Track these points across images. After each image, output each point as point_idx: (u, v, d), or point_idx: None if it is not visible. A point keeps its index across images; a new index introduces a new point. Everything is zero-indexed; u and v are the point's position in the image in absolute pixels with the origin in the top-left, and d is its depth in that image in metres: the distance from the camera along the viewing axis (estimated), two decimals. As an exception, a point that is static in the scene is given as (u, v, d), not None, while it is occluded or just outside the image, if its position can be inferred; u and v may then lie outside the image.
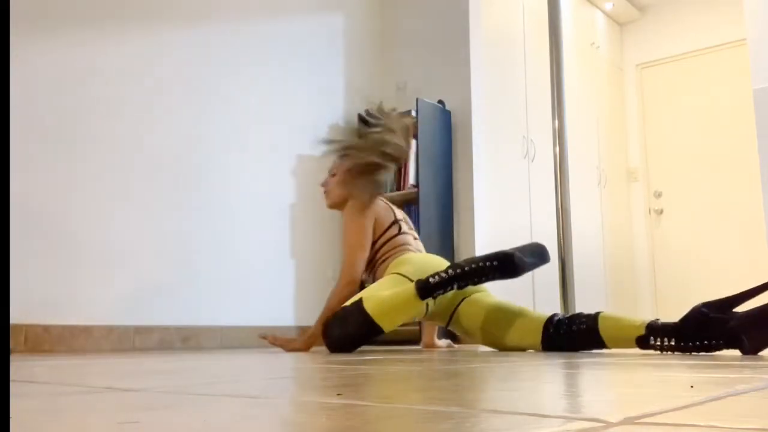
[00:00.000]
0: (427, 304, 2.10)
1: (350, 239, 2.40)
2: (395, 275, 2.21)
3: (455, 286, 2.00)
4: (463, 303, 2.26)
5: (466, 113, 3.79)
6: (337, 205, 2.55)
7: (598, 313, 1.97)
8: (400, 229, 2.49)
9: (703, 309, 1.74)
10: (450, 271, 2.00)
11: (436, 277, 2.00)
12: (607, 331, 1.92)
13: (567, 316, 2.04)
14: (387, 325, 2.02)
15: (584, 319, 1.97)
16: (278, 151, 3.54)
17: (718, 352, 1.76)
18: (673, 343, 1.77)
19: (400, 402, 0.66)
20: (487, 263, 1.97)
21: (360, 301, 2.06)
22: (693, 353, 1.74)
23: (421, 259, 2.30)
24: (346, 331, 2.05)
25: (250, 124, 3.43)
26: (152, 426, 0.51)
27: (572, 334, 1.97)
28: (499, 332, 2.14)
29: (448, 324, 2.32)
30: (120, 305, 2.80)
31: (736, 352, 1.77)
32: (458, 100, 3.83)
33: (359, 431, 0.47)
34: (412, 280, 2.14)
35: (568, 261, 2.81)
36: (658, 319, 1.86)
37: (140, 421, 0.54)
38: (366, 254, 2.40)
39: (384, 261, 2.42)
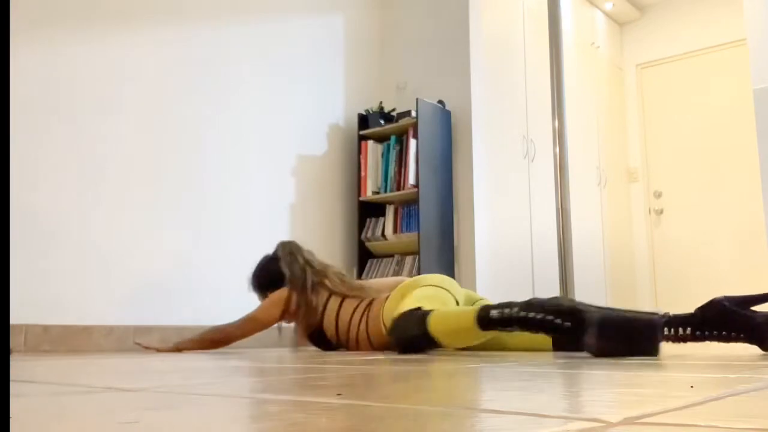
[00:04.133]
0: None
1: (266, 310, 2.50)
2: (432, 288, 2.15)
3: (514, 327, 1.83)
4: None
5: (466, 113, 3.79)
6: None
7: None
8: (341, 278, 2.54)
9: (725, 302, 1.75)
10: (522, 312, 1.78)
11: (496, 312, 1.83)
12: None
13: None
14: (449, 344, 1.96)
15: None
16: (278, 151, 3.54)
17: (733, 344, 1.78)
18: (689, 332, 1.78)
19: (400, 402, 0.66)
20: (559, 322, 1.75)
21: (426, 324, 1.93)
22: (708, 342, 1.76)
23: (437, 277, 2.26)
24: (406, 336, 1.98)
25: (250, 124, 3.43)
26: (152, 426, 0.51)
27: None
28: (506, 334, 2.13)
29: None
30: (120, 305, 2.80)
31: (745, 347, 1.78)
32: (458, 100, 3.82)
33: (359, 431, 0.47)
34: (450, 292, 2.14)
35: (568, 261, 2.81)
36: (667, 313, 1.86)
37: (140, 421, 0.54)
38: (260, 329, 2.47)
39: (368, 304, 2.37)
